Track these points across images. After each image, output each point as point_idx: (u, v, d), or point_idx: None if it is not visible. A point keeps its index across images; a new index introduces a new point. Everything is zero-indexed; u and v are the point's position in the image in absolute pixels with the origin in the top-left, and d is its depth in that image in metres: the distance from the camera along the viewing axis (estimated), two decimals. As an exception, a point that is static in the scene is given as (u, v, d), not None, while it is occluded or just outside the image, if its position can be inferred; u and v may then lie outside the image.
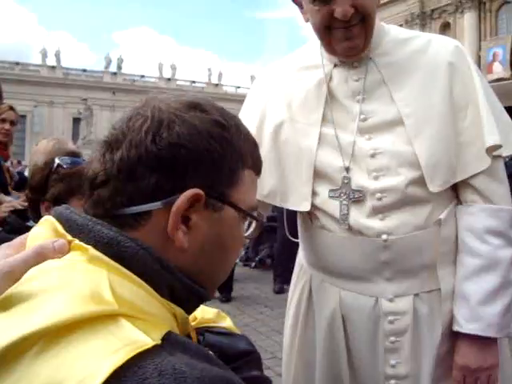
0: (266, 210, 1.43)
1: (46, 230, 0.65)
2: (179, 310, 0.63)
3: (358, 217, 1.24)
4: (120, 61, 47.99)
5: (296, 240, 1.49)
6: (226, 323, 0.90)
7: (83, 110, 36.51)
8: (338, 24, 1.19)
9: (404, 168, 1.22)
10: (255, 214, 0.73)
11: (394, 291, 1.25)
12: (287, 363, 1.45)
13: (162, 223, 0.63)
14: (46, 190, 1.50)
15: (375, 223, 1.23)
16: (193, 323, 0.83)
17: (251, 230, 0.76)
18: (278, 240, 6.03)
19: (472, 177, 1.25)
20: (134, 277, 0.58)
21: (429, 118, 1.24)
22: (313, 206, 1.30)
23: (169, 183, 0.63)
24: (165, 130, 0.63)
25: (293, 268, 1.51)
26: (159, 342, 0.52)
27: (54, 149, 1.56)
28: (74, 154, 1.57)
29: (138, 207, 0.63)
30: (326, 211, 1.29)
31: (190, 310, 0.68)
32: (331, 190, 1.27)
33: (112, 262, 0.58)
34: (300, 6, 1.28)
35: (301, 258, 1.47)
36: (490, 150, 1.23)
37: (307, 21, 1.27)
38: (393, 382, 1.26)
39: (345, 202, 1.25)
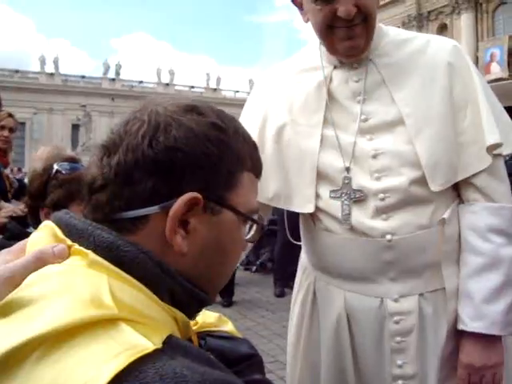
0: (267, 214, 1.43)
1: (45, 235, 0.65)
2: (180, 314, 0.63)
3: (361, 217, 1.25)
4: (118, 67, 48.09)
5: (297, 243, 1.49)
6: (228, 327, 0.90)
7: (82, 117, 36.54)
8: (341, 23, 1.19)
9: (406, 168, 1.23)
10: (256, 217, 0.72)
11: (398, 291, 1.25)
12: (292, 365, 1.45)
13: (160, 227, 0.62)
14: (45, 196, 1.50)
15: (379, 224, 1.23)
16: (194, 327, 0.82)
17: (252, 233, 0.75)
18: (277, 243, 6.02)
19: (473, 176, 1.25)
20: (134, 281, 0.58)
21: (429, 118, 1.24)
22: (315, 207, 1.30)
23: (166, 187, 0.62)
24: (161, 134, 0.63)
25: (293, 271, 1.51)
26: (160, 345, 0.51)
27: (52, 155, 1.56)
28: (73, 160, 1.57)
29: (135, 211, 0.62)
30: (328, 212, 1.29)
31: (191, 314, 0.68)
32: (332, 191, 1.28)
33: (112, 267, 0.58)
34: (300, 6, 1.29)
35: (304, 260, 1.47)
36: (491, 149, 1.24)
37: (307, 21, 1.28)
38: (400, 382, 1.26)
39: (346, 202, 1.25)
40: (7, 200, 3.07)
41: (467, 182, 1.27)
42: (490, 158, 1.24)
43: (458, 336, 1.25)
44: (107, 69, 47.67)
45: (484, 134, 1.24)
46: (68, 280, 0.56)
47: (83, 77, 48.15)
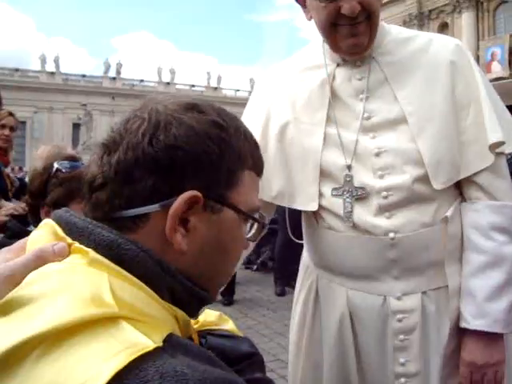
0: (270, 213, 1.43)
1: (45, 233, 0.65)
2: (180, 313, 0.62)
3: (364, 215, 1.25)
4: (119, 66, 48.13)
5: (299, 241, 1.49)
6: (229, 326, 0.89)
7: (83, 116, 36.60)
8: (345, 21, 1.19)
9: (409, 166, 1.23)
10: (257, 215, 0.72)
11: (401, 289, 1.25)
12: (294, 364, 1.45)
13: (160, 226, 0.62)
14: (46, 194, 1.50)
15: (382, 221, 1.23)
16: (195, 326, 0.82)
17: (253, 231, 0.75)
18: (278, 242, 6.02)
19: (476, 174, 1.25)
20: (135, 279, 0.58)
21: (431, 116, 1.24)
22: (319, 205, 1.30)
23: (166, 185, 0.62)
24: (162, 132, 0.63)
25: (294, 270, 1.51)
26: (161, 344, 0.51)
27: (52, 154, 1.56)
28: (73, 159, 1.57)
29: (135, 210, 0.62)
30: (330, 210, 1.29)
31: (192, 312, 0.68)
32: (334, 189, 1.28)
33: (112, 265, 0.58)
34: (303, 4, 1.29)
35: (306, 258, 1.47)
36: (493, 147, 1.24)
37: (310, 19, 1.28)
38: (403, 380, 1.26)
39: (348, 200, 1.25)
40: (8, 199, 3.07)
41: (470, 181, 1.27)
42: (493, 157, 1.24)
43: (460, 334, 1.25)
44: (108, 68, 47.73)
45: (486, 132, 1.24)
46: (68, 278, 0.56)
47: (84, 76, 48.22)
